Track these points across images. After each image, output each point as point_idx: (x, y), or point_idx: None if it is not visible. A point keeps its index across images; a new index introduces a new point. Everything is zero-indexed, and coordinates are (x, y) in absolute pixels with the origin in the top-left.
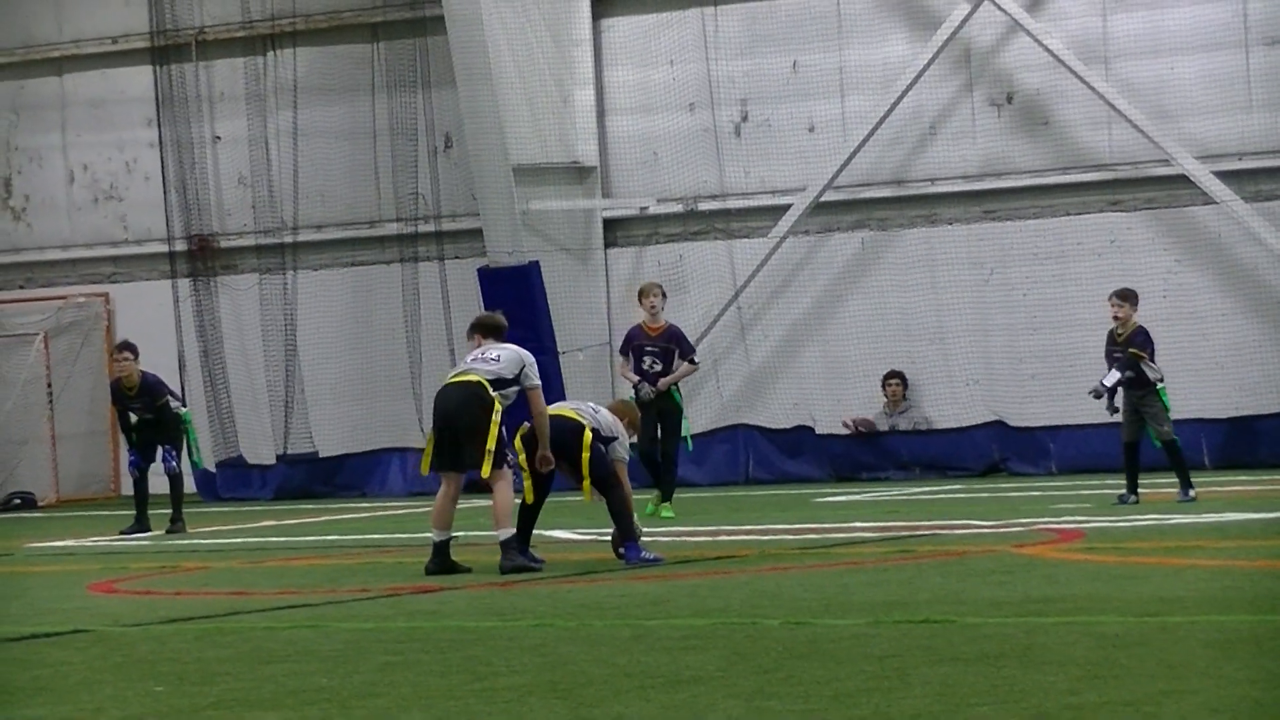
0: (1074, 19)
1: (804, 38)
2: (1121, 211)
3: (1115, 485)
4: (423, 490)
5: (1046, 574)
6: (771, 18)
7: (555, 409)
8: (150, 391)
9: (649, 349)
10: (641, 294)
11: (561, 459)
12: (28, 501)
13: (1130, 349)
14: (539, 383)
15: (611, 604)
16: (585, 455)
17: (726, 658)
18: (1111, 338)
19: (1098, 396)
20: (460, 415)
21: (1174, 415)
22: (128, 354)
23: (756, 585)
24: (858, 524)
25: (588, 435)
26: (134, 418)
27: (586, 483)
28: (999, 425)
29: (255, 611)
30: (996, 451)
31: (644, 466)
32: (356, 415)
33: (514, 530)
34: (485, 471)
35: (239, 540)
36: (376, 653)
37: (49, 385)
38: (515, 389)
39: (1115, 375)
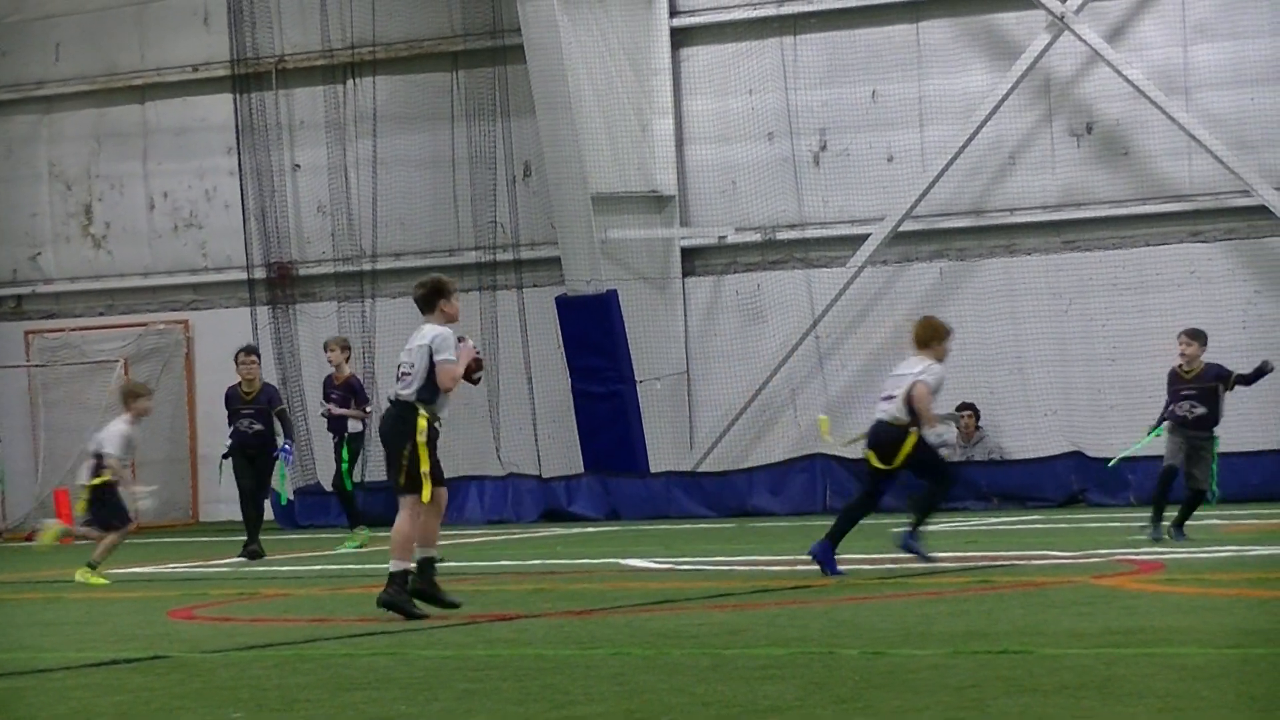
0: (1155, 49)
1: (883, 67)
2: (1202, 242)
3: (1195, 517)
4: (501, 519)
5: (1126, 605)
6: (851, 47)
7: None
8: (266, 398)
9: (333, 396)
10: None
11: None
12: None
13: (1237, 374)
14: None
15: (689, 633)
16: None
17: (804, 687)
18: (1177, 375)
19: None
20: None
21: (1251, 447)
22: (254, 357)
23: (835, 615)
24: (936, 554)
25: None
26: (245, 425)
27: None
28: (1078, 456)
29: (335, 639)
30: (1075, 482)
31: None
32: None
33: (410, 565)
34: None
35: (318, 567)
36: (456, 680)
37: None
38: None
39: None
